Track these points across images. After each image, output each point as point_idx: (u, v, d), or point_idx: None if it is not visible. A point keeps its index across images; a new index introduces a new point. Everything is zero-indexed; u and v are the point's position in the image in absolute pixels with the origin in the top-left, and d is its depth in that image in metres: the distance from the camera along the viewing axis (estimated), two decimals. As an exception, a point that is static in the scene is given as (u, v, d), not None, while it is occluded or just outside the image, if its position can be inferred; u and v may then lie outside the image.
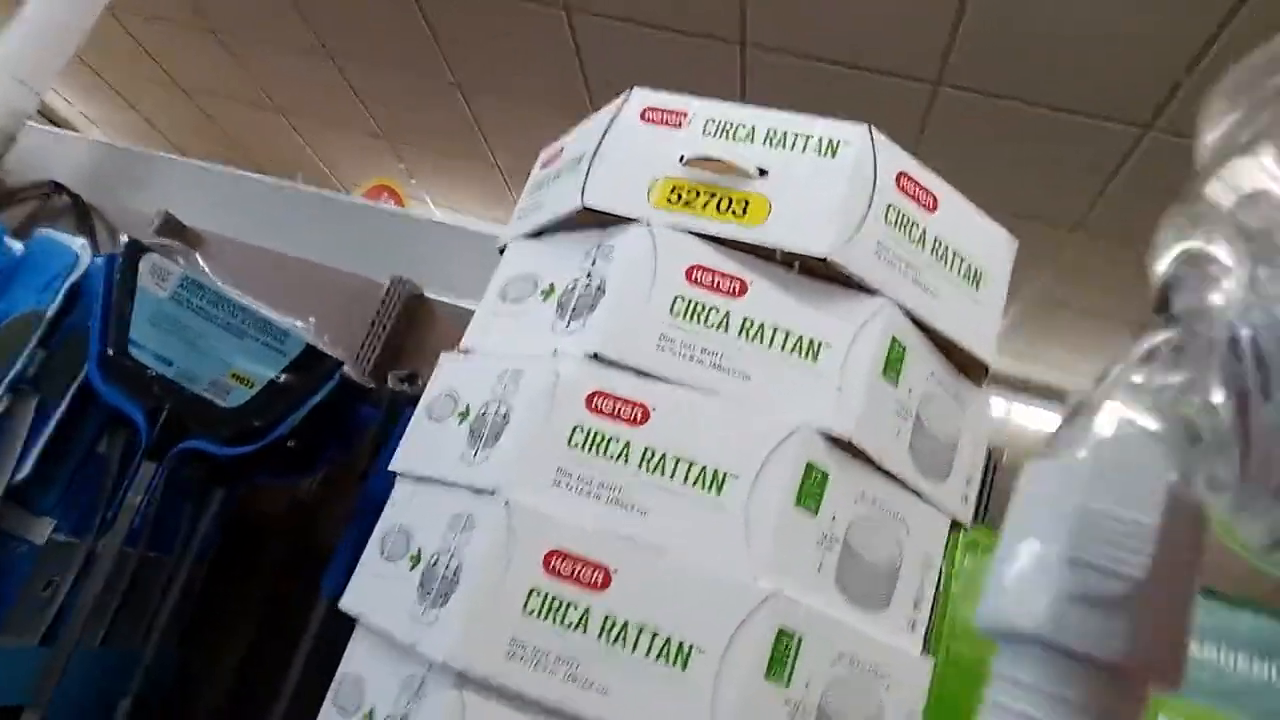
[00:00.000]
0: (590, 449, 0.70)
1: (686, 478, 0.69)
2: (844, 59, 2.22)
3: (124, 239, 0.98)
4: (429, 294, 1.47)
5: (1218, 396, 0.23)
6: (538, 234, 0.89)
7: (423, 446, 0.84)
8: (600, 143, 0.82)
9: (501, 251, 0.97)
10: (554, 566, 0.67)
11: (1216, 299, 0.23)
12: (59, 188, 1.59)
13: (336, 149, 3.75)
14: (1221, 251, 0.23)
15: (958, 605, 1.00)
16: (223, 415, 0.94)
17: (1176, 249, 0.26)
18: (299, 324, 0.97)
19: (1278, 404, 0.19)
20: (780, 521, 0.68)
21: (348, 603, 0.81)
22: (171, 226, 1.54)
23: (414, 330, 1.44)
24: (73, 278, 1.02)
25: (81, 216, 1.57)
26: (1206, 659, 1.03)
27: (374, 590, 0.79)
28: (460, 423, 0.80)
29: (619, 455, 0.70)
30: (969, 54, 2.14)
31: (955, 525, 0.83)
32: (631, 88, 0.84)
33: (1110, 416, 0.25)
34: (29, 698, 0.96)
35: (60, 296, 1.00)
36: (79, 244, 1.05)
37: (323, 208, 1.61)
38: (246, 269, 1.47)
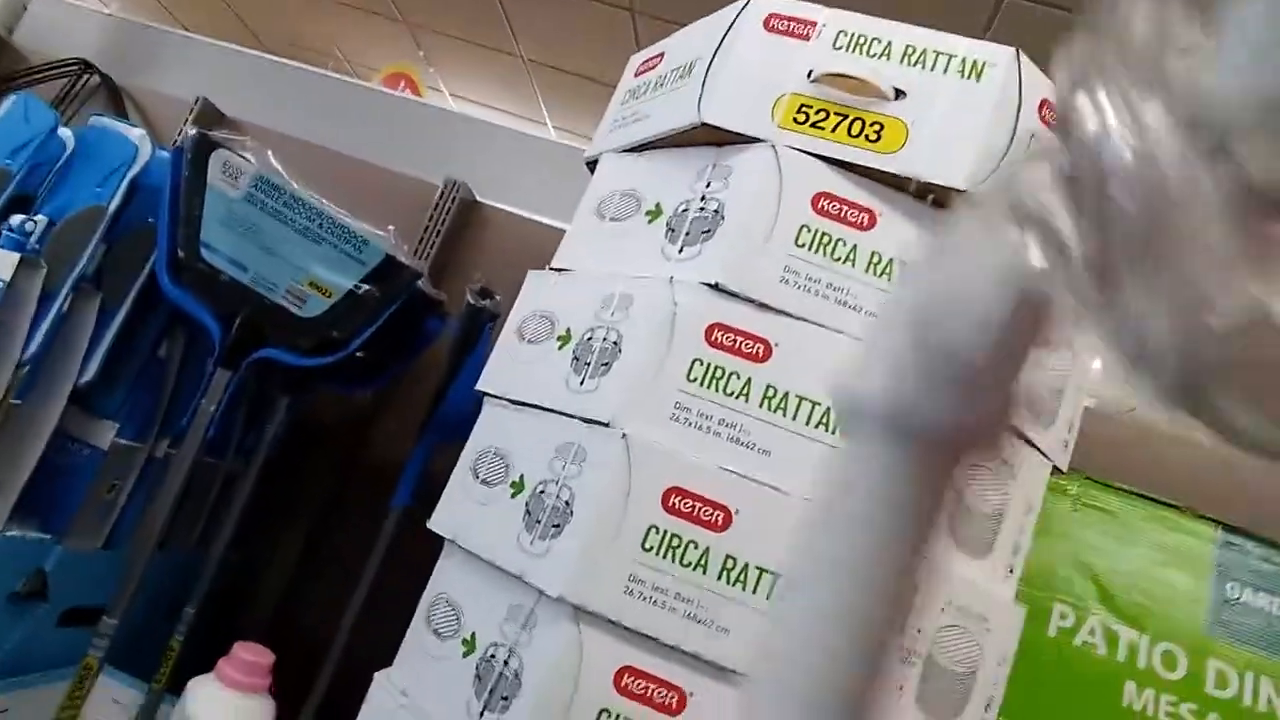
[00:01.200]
0: (709, 384, 0.67)
1: (810, 419, 0.67)
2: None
3: (190, 131, 0.92)
4: (481, 198, 1.42)
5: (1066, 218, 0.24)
6: (638, 148, 0.84)
7: (516, 369, 0.81)
8: (717, 52, 0.77)
9: (590, 165, 0.92)
10: (673, 504, 0.65)
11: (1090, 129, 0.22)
12: (88, 66, 1.50)
13: (351, 32, 3.58)
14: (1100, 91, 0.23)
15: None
16: (300, 324, 0.90)
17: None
18: (378, 231, 0.92)
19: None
20: (909, 468, 0.65)
21: (439, 523, 0.80)
22: (209, 114, 1.47)
23: (468, 236, 1.39)
24: (133, 171, 0.96)
25: (113, 99, 1.49)
26: (1258, 606, 1.04)
27: (470, 514, 0.77)
28: (561, 347, 0.76)
29: (739, 392, 0.67)
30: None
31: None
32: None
33: (988, 215, 0.26)
34: (100, 599, 0.96)
35: (121, 191, 0.95)
36: (137, 134, 0.99)
37: (367, 101, 1.53)
38: (288, 164, 1.41)
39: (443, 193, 1.37)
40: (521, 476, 0.73)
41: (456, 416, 0.96)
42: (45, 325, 0.90)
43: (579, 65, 3.11)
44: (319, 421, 1.21)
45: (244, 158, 0.91)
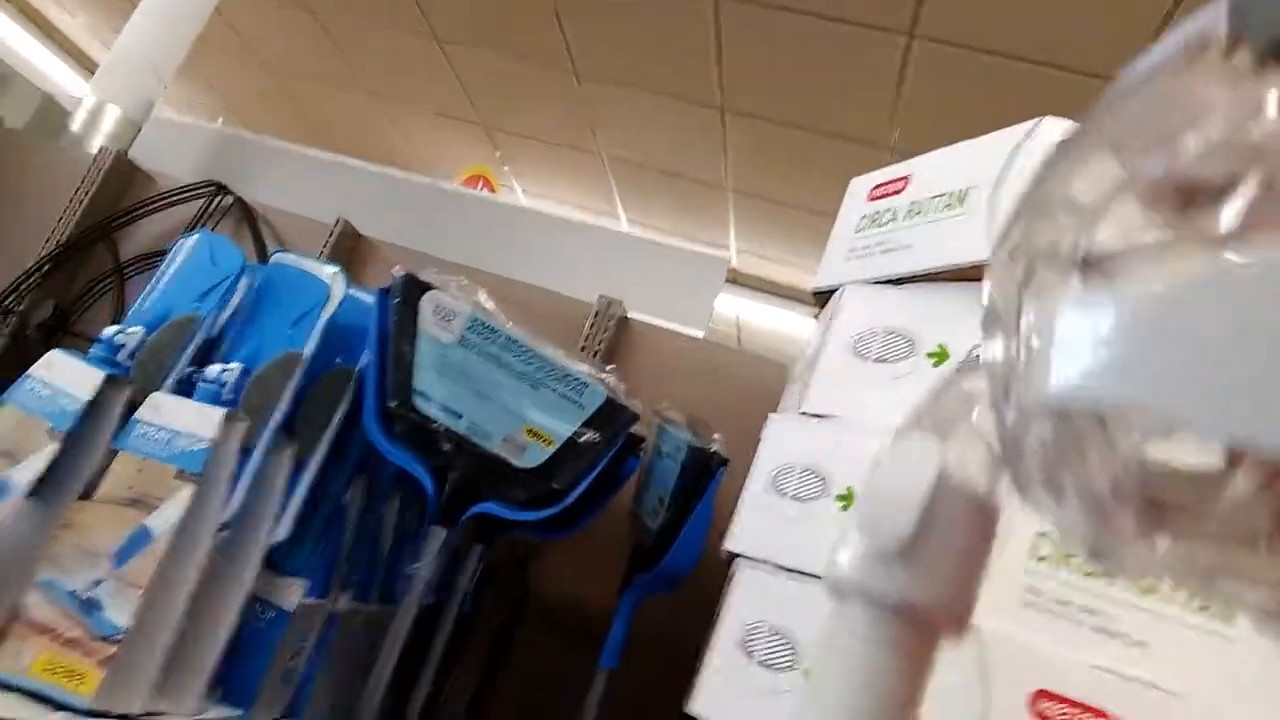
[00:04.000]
0: (1060, 562, 0.58)
1: (1190, 601, 0.57)
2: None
3: (397, 271, 0.86)
4: (632, 315, 1.36)
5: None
6: (893, 281, 0.77)
7: (779, 528, 0.73)
8: (1003, 178, 0.70)
9: (819, 296, 0.85)
10: (1042, 712, 0.55)
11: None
12: (221, 188, 1.48)
13: (426, 135, 3.64)
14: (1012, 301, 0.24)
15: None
16: (519, 476, 0.83)
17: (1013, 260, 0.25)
18: (597, 373, 0.85)
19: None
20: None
21: (702, 709, 0.70)
22: (349, 236, 1.43)
23: (622, 356, 1.33)
24: (326, 313, 0.91)
25: (249, 221, 1.47)
26: None
27: (743, 704, 0.68)
28: (845, 508, 0.68)
29: (1099, 571, 0.58)
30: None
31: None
32: (1041, 117, 0.71)
33: (920, 420, 0.31)
34: (286, 780, 0.87)
35: (317, 335, 0.89)
36: (328, 272, 0.94)
37: (504, 217, 1.49)
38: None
39: (598, 310, 1.31)
40: (817, 663, 0.64)
41: (677, 571, 0.88)
42: (244, 483, 0.83)
43: (661, 161, 3.11)
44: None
45: (455, 298, 0.85)
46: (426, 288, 0.85)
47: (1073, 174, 0.23)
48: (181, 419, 0.81)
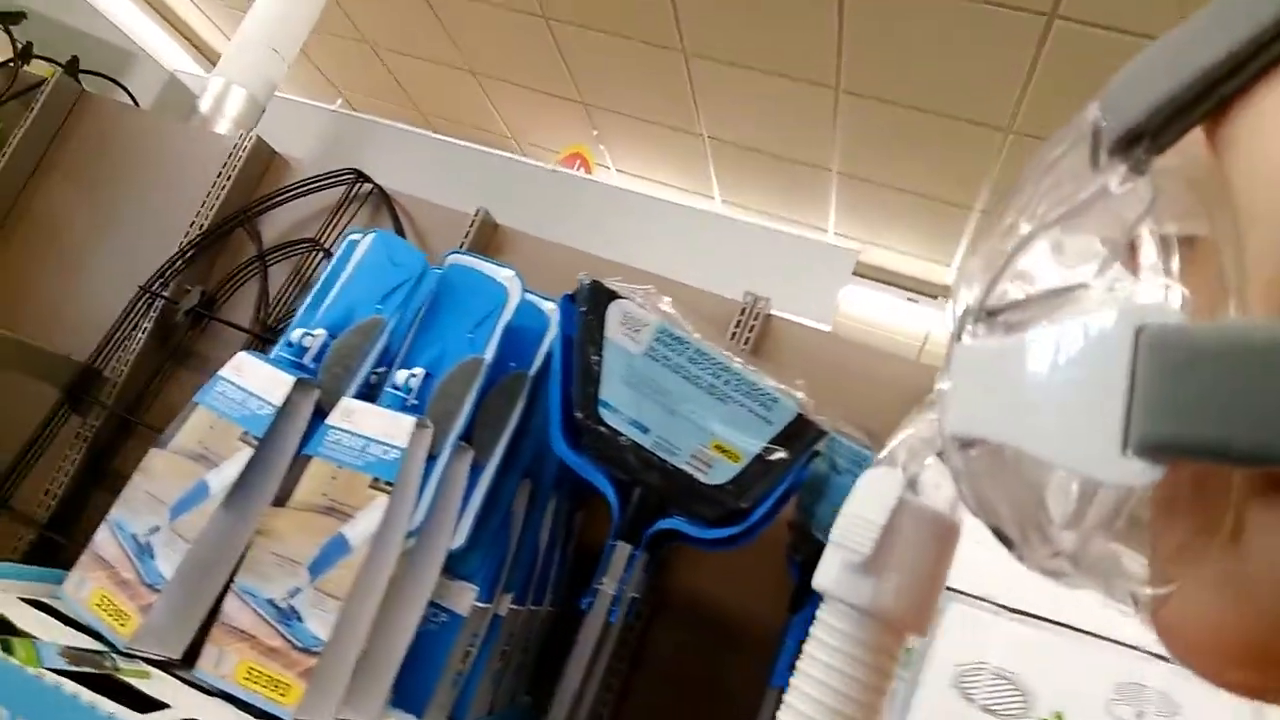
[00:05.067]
0: None
1: None
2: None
3: (583, 278, 0.84)
4: (774, 311, 1.32)
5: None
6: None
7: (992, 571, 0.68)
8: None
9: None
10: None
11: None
12: (360, 176, 1.48)
13: (524, 111, 3.62)
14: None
15: None
16: (705, 492, 0.80)
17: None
18: (788, 387, 0.82)
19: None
20: None
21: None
22: (488, 228, 1.42)
23: (764, 353, 1.29)
24: (505, 317, 0.89)
25: (389, 210, 1.46)
26: None
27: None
28: None
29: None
30: None
31: None
32: None
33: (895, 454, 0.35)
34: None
35: (495, 340, 0.88)
36: (505, 275, 0.92)
37: (645, 210, 1.46)
38: (569, 279, 1.34)
39: (745, 308, 1.27)
40: (1058, 718, 0.60)
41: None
42: (429, 490, 0.82)
43: (764, 141, 3.04)
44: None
45: (642, 307, 0.82)
46: (613, 296, 0.82)
47: (990, 235, 0.26)
48: (373, 425, 0.80)
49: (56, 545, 1.38)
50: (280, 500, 0.78)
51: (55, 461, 1.40)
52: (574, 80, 3.17)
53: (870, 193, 3.10)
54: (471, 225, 1.39)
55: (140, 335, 1.45)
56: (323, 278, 1.00)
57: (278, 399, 0.80)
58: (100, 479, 1.42)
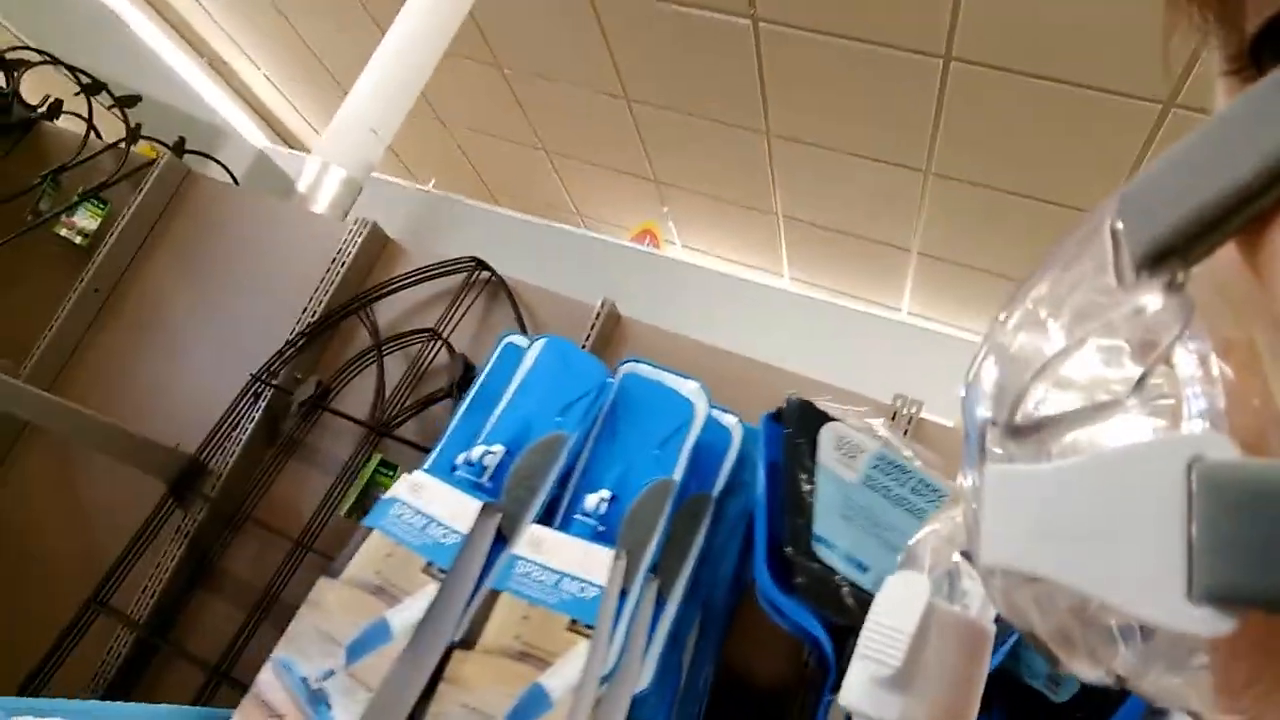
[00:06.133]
0: None
1: None
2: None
3: (792, 396, 0.77)
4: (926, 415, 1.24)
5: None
6: None
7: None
8: None
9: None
10: None
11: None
12: (479, 264, 1.43)
13: (591, 188, 3.62)
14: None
15: None
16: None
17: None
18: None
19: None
20: None
21: None
22: (611, 321, 1.36)
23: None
24: (693, 434, 0.82)
25: (510, 301, 1.41)
26: None
27: None
28: None
29: None
30: None
31: None
32: None
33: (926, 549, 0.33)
34: None
35: (684, 460, 0.81)
36: (690, 388, 0.85)
37: (760, 299, 1.40)
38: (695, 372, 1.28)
39: (896, 412, 1.19)
40: None
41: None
42: (620, 629, 0.74)
43: (841, 220, 3.00)
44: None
45: (858, 430, 0.75)
46: (825, 418, 0.75)
47: (1004, 330, 0.24)
48: (567, 558, 0.73)
49: (154, 647, 1.31)
50: (468, 642, 0.71)
51: (154, 558, 1.34)
52: (649, 160, 3.17)
53: (948, 271, 3.04)
54: (597, 317, 1.34)
55: (248, 425, 1.40)
56: (480, 383, 0.95)
57: (464, 526, 0.73)
58: (201, 577, 1.36)
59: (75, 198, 1.68)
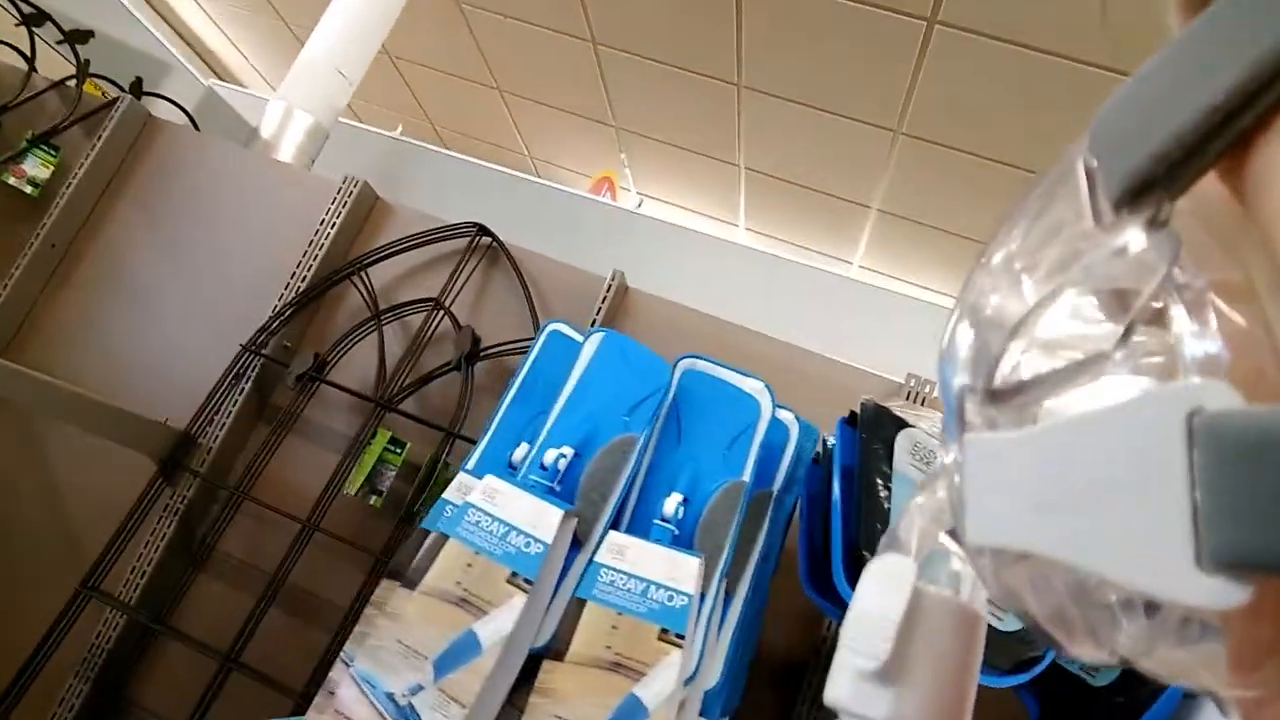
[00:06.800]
0: None
1: None
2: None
3: (867, 401, 0.77)
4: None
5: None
6: None
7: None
8: None
9: None
10: None
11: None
12: (481, 230, 1.38)
13: (548, 133, 3.52)
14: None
15: None
16: (997, 640, 0.74)
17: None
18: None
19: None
20: None
21: None
22: (619, 292, 1.34)
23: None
24: (760, 434, 0.82)
25: (515, 270, 1.37)
26: None
27: None
28: None
29: None
30: None
31: None
32: None
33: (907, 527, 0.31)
34: None
35: (753, 461, 0.81)
36: (753, 386, 0.85)
37: (783, 273, 1.40)
38: (699, 344, 1.28)
39: (910, 393, 1.21)
40: None
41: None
42: (699, 633, 0.75)
43: (804, 175, 3.00)
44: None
45: (931, 435, 0.76)
46: (901, 424, 0.76)
47: (975, 287, 0.23)
48: (653, 566, 0.72)
49: (147, 629, 1.26)
50: (557, 652, 0.70)
51: (143, 536, 1.28)
52: (611, 107, 3.09)
53: (906, 229, 3.08)
54: (609, 290, 1.31)
55: (237, 398, 1.34)
56: (526, 372, 0.92)
57: (547, 535, 0.72)
58: (194, 556, 1.30)
59: (24, 143, 1.54)
